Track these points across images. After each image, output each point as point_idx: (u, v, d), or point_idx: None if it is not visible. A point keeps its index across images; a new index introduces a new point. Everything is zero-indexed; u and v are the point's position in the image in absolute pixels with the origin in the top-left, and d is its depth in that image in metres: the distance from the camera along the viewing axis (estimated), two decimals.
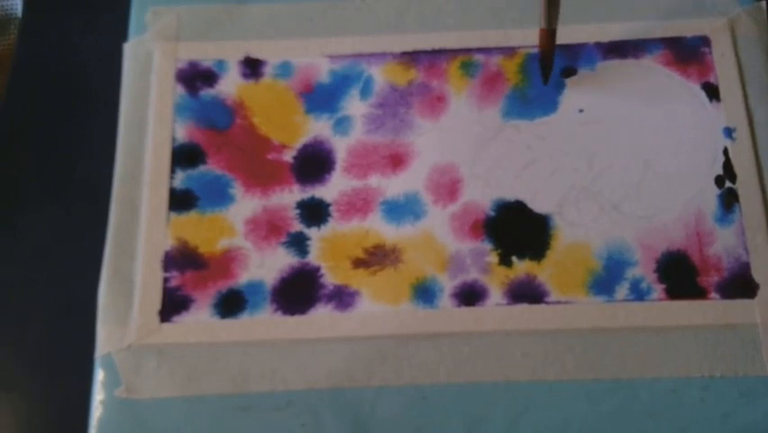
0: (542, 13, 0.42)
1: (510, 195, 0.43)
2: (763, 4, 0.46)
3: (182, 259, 0.42)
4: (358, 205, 0.43)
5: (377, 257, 0.42)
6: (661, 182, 0.43)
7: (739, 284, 0.41)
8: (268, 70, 0.46)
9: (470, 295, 0.41)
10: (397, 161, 0.44)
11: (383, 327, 0.40)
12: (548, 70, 0.44)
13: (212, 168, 0.44)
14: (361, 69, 0.46)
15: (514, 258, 0.42)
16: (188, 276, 0.42)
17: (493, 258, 0.42)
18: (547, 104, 0.45)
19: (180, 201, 0.43)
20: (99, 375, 0.40)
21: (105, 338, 0.40)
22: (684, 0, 0.46)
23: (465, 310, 0.41)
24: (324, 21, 0.47)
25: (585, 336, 0.40)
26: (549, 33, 0.43)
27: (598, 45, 0.46)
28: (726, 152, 0.43)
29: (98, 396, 0.40)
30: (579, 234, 0.42)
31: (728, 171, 0.43)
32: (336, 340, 0.40)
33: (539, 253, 0.42)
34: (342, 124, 0.44)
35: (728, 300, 0.40)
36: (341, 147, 0.44)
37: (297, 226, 0.43)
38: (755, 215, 0.42)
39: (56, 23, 0.50)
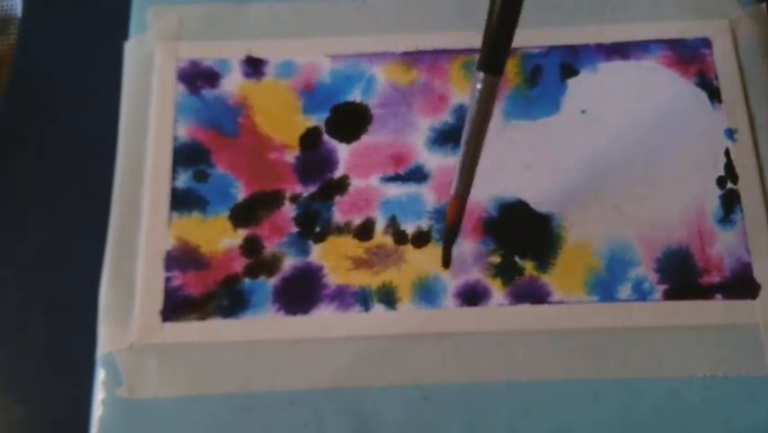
0: (456, 180, 0.37)
1: (512, 195, 0.43)
2: (764, 5, 0.46)
3: (184, 259, 0.42)
4: (360, 205, 0.43)
5: (379, 257, 0.42)
6: (662, 183, 0.43)
7: (741, 285, 0.41)
8: (269, 70, 0.46)
9: (472, 295, 0.41)
10: (398, 160, 0.44)
11: (385, 327, 0.40)
12: (450, 247, 0.41)
13: (214, 167, 0.44)
14: (362, 68, 0.46)
15: (516, 258, 0.42)
16: (190, 276, 0.41)
17: (495, 258, 0.42)
18: (549, 104, 0.45)
19: (182, 201, 0.43)
20: (100, 375, 0.40)
21: (107, 338, 0.40)
22: (685, 1, 0.46)
23: (468, 310, 0.41)
24: (325, 20, 0.47)
25: (587, 336, 0.40)
26: (461, 204, 0.38)
27: (600, 46, 0.46)
28: (727, 153, 0.43)
29: (100, 396, 0.39)
30: (581, 234, 0.42)
31: (730, 173, 0.43)
32: (338, 340, 0.40)
33: (541, 253, 0.42)
34: None
35: (730, 301, 0.40)
36: (342, 147, 0.44)
37: (299, 226, 0.42)
38: (757, 216, 0.42)
39: (56, 23, 0.50)
